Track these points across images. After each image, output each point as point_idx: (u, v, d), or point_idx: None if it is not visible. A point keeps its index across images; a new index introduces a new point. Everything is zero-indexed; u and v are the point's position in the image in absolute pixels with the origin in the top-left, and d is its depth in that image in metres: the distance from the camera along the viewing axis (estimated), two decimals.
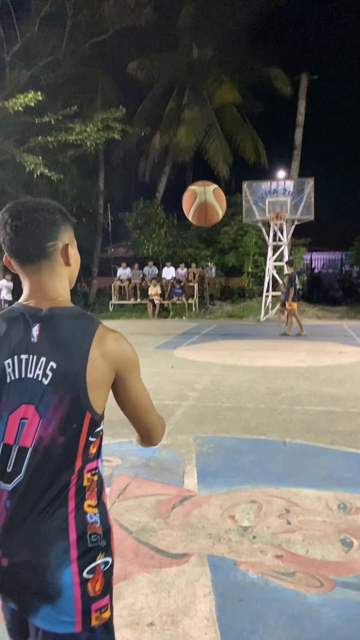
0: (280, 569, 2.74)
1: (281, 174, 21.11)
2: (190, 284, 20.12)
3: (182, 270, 20.30)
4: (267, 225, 18.00)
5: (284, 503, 3.53)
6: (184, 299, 19.48)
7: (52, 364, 1.25)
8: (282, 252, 17.70)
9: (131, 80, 21.51)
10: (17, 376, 1.28)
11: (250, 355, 9.96)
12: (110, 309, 20.61)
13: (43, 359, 1.26)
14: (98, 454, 1.33)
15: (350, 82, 36.84)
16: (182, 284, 19.84)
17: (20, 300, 1.38)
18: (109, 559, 1.30)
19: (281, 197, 17.44)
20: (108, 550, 1.30)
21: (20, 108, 14.80)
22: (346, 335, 13.54)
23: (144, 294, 20.08)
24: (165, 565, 2.79)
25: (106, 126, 16.71)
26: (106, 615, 1.28)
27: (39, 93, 14.56)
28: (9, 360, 1.28)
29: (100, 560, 1.27)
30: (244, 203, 18.17)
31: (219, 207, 3.05)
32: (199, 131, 22.40)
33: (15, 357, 1.28)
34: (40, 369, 1.26)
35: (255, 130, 23.45)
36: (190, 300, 19.76)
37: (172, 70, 22.43)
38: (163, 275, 20.48)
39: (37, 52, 17.53)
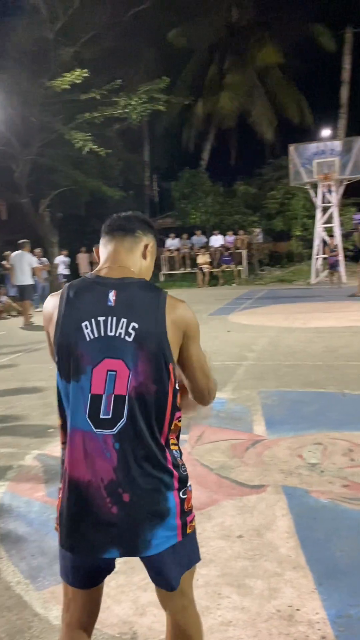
0: (347, 495, 3.13)
1: (327, 132, 20.76)
2: (239, 250, 20.29)
3: (230, 238, 20.47)
4: (315, 187, 17.87)
5: (347, 444, 3.90)
6: (233, 266, 19.71)
7: (134, 324, 1.44)
8: (331, 213, 17.59)
9: (172, 49, 21.44)
10: (96, 335, 1.45)
11: (304, 317, 10.22)
12: (161, 279, 21.08)
13: (124, 320, 1.45)
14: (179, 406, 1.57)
15: None
16: (230, 251, 20.05)
17: (92, 272, 1.63)
18: (191, 483, 1.64)
19: (329, 157, 17.25)
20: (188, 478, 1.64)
21: (67, 86, 15.14)
22: None
23: (193, 263, 20.40)
24: (245, 493, 3.23)
25: (150, 98, 16.85)
26: (194, 524, 1.57)
27: (85, 70, 14.82)
28: (86, 322, 1.46)
29: (188, 484, 1.58)
30: (290, 166, 18.07)
31: None
32: (242, 95, 22.20)
33: (93, 319, 1.46)
34: (122, 329, 1.44)
35: (299, 90, 23.03)
36: (239, 267, 19.97)
37: (212, 35, 22.18)
38: (211, 244, 20.71)
39: (80, 28, 17.70)
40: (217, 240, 20.55)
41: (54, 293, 1.59)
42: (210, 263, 19.79)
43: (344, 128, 21.43)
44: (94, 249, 1.73)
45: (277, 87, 22.61)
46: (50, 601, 2.33)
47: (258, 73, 22.36)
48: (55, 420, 1.63)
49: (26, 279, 11.73)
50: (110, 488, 1.43)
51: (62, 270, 17.55)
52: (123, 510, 1.43)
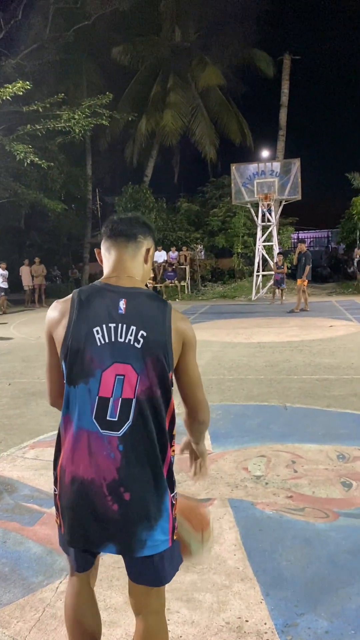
0: (291, 506, 3.20)
1: (267, 154, 21.46)
2: (182, 266, 20.49)
3: (174, 254, 20.67)
4: (255, 206, 18.39)
5: (289, 456, 3.99)
6: (176, 282, 19.88)
7: (143, 332, 1.52)
8: (270, 232, 18.12)
9: (116, 65, 21.63)
10: (107, 340, 1.52)
11: (246, 332, 10.43)
12: None
13: (133, 328, 1.52)
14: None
15: (333, 61, 37.02)
16: (173, 266, 20.23)
17: (100, 280, 1.67)
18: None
19: (269, 178, 17.83)
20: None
21: (8, 97, 14.92)
22: (335, 310, 14.06)
23: None
24: None
25: (94, 112, 16.86)
26: (177, 531, 1.63)
27: (27, 82, 14.68)
28: (98, 328, 1.53)
29: (176, 490, 1.63)
30: (232, 185, 18.54)
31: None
32: (185, 114, 22.63)
33: (104, 325, 1.53)
34: (131, 335, 1.52)
35: (240, 111, 23.76)
36: (182, 283, 20.16)
37: (155, 54, 22.56)
38: (154, 259, 20.78)
39: (22, 40, 17.56)
40: (160, 256, 20.70)
41: (60, 299, 1.64)
42: (154, 278, 19.88)
43: (282, 150, 22.22)
44: (95, 251, 1.80)
45: (219, 108, 23.21)
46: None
47: (200, 93, 22.87)
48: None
49: None
50: (112, 487, 1.50)
51: (1, 283, 17.09)
52: (123, 509, 1.50)
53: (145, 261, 1.72)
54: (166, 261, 20.53)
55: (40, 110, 16.09)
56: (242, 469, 3.78)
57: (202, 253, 23.67)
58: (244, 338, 9.73)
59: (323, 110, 42.29)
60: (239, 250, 21.65)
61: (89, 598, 1.77)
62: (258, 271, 18.36)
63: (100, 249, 1.75)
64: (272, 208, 18.04)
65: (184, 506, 1.71)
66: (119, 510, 1.50)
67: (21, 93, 14.88)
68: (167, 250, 20.91)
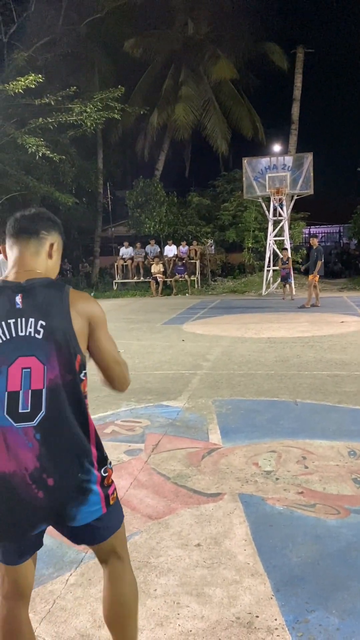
0: (302, 502, 3.18)
1: (279, 148, 21.31)
2: (192, 261, 20.44)
3: (184, 248, 20.61)
4: (267, 200, 18.28)
5: (300, 452, 3.97)
6: (186, 276, 19.84)
7: (42, 322, 1.56)
8: (282, 226, 18.02)
9: (128, 59, 21.52)
10: (8, 337, 1.55)
11: (256, 327, 10.38)
12: (114, 287, 20.96)
13: (32, 320, 1.56)
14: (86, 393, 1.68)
15: (346, 54, 36.58)
16: (184, 261, 20.18)
17: (1, 278, 1.71)
18: (110, 460, 1.73)
19: (281, 172, 17.71)
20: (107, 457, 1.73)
21: (20, 90, 14.92)
22: (346, 306, 13.96)
23: (147, 272, 20.42)
24: (202, 502, 3.23)
25: (105, 106, 16.83)
26: (115, 495, 1.71)
27: (39, 75, 14.66)
28: None
29: (109, 461, 1.70)
30: (244, 179, 18.42)
31: None
32: (197, 108, 22.47)
33: (3, 322, 1.56)
34: (31, 327, 1.56)
35: (252, 105, 23.56)
36: (192, 277, 20.12)
37: (168, 47, 22.42)
38: (165, 253, 20.80)
39: (34, 32, 17.53)
40: (170, 250, 20.65)
41: None
42: (164, 273, 19.86)
43: (294, 144, 22.02)
44: (0, 247, 1.82)
45: (231, 102, 23.04)
46: None
47: (212, 87, 22.72)
48: None
49: None
50: (35, 475, 1.53)
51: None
52: (48, 494, 1.54)
53: (50, 256, 1.74)
54: (176, 255, 20.48)
55: (52, 103, 16.09)
56: (252, 464, 3.77)
57: (213, 247, 23.59)
58: (254, 333, 9.70)
59: (336, 105, 41.88)
60: (250, 245, 21.53)
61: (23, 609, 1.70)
62: (269, 266, 18.27)
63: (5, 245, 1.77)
64: (284, 202, 17.93)
65: None
66: (44, 496, 1.54)
67: (33, 86, 14.88)
68: (178, 245, 20.86)
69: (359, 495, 3.26)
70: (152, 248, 21.33)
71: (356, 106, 41.08)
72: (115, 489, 1.72)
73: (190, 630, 2.12)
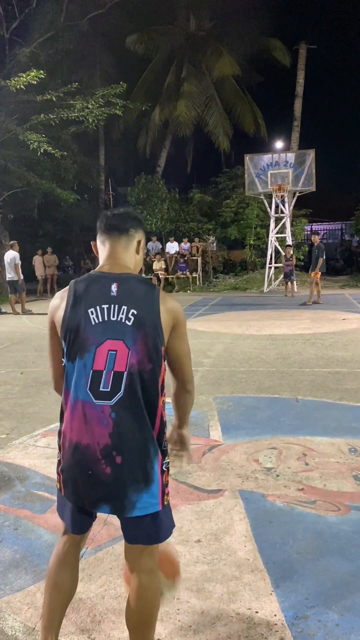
0: (302, 499, 3.19)
1: (281, 145, 21.25)
2: (194, 258, 20.42)
3: (186, 245, 20.60)
4: (269, 197, 18.24)
5: (301, 449, 3.98)
6: (188, 273, 19.82)
7: (133, 310, 1.69)
8: (284, 223, 17.98)
9: (129, 55, 21.47)
10: (100, 320, 1.70)
11: (258, 324, 10.38)
12: None
13: (124, 307, 1.70)
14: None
15: (349, 51, 36.49)
16: (185, 258, 20.16)
17: (95, 269, 1.86)
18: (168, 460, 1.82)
19: (283, 169, 17.66)
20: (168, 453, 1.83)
21: (22, 86, 14.89)
22: (348, 303, 13.96)
23: (149, 268, 20.41)
24: (203, 498, 3.24)
25: (107, 102, 16.78)
26: (169, 497, 1.79)
27: (41, 71, 14.62)
28: (92, 309, 1.71)
29: (167, 459, 1.79)
30: (246, 176, 18.40)
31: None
32: (199, 104, 22.41)
33: (98, 307, 1.71)
34: (123, 314, 1.69)
35: (254, 102, 23.47)
36: (194, 274, 20.10)
37: (170, 44, 22.36)
38: (167, 250, 20.77)
39: (36, 28, 17.48)
40: (172, 247, 20.63)
41: (61, 290, 1.83)
42: (166, 269, 19.84)
43: (296, 141, 21.96)
44: (91, 243, 1.96)
45: (233, 98, 22.95)
46: (5, 610, 2.26)
47: (214, 83, 22.65)
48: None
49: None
50: (105, 451, 1.65)
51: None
52: (115, 471, 1.65)
53: (137, 252, 1.90)
54: (178, 252, 20.46)
55: (54, 99, 16.04)
56: (253, 460, 3.78)
57: (214, 244, 23.56)
58: (255, 330, 9.69)
59: (338, 101, 41.65)
60: (252, 242, 21.50)
61: (74, 561, 1.90)
62: (270, 263, 18.25)
63: (96, 241, 1.92)
64: (286, 199, 17.88)
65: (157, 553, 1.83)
66: (111, 473, 1.64)
67: (35, 82, 14.83)
68: (179, 242, 20.84)
69: (359, 492, 3.26)
70: (153, 245, 21.31)
71: (359, 102, 40.98)
72: (169, 492, 1.79)
73: (190, 626, 2.13)
